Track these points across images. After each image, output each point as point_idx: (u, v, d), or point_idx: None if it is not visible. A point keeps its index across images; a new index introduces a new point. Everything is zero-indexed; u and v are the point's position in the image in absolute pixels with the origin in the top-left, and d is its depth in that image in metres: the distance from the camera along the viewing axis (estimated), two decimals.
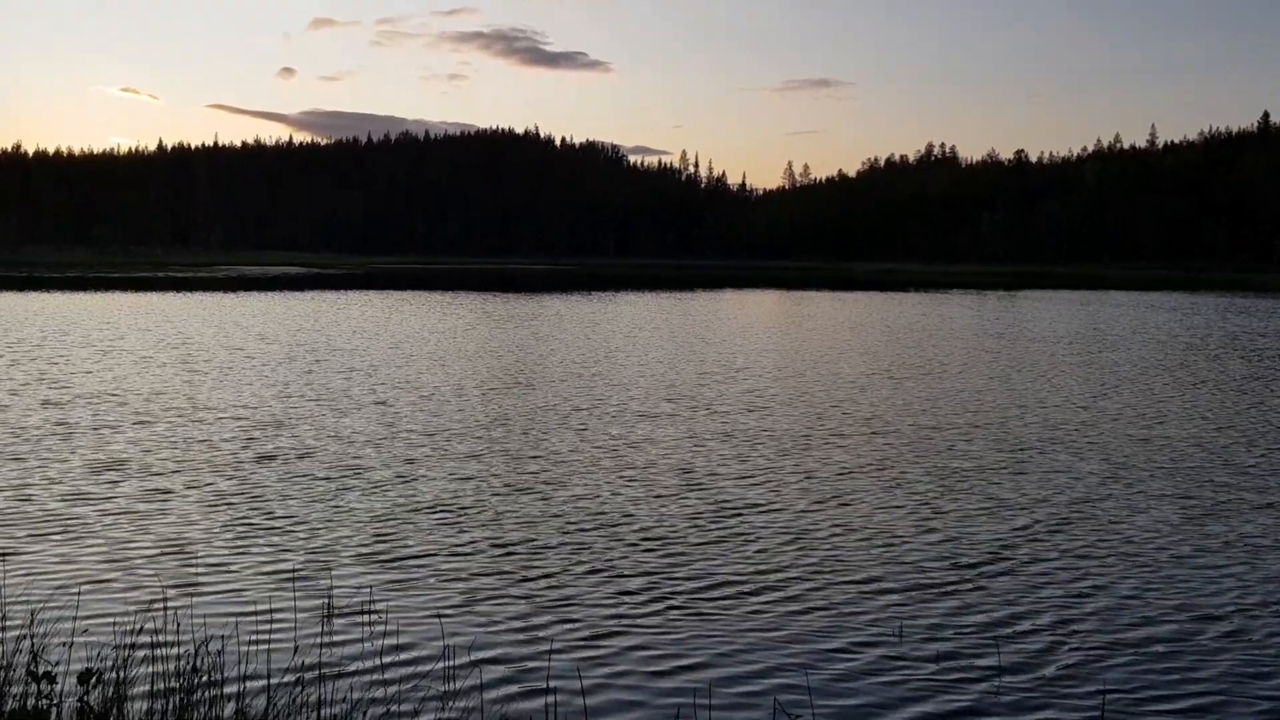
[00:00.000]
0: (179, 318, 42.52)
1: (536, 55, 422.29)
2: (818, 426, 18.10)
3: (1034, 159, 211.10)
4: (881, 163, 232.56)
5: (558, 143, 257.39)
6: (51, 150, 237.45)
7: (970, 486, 13.42)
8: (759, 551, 10.34)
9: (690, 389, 22.79)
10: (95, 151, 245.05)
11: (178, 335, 34.42)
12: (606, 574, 9.56)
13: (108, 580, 9.20)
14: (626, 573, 9.62)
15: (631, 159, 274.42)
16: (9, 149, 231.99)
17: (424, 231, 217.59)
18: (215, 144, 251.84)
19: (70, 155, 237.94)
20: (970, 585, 9.33)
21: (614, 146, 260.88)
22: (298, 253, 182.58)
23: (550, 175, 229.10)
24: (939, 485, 13.46)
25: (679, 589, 9.16)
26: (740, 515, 11.77)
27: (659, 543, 10.59)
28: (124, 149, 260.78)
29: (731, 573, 9.57)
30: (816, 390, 22.93)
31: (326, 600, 8.62)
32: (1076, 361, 29.73)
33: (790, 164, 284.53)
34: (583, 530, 11.10)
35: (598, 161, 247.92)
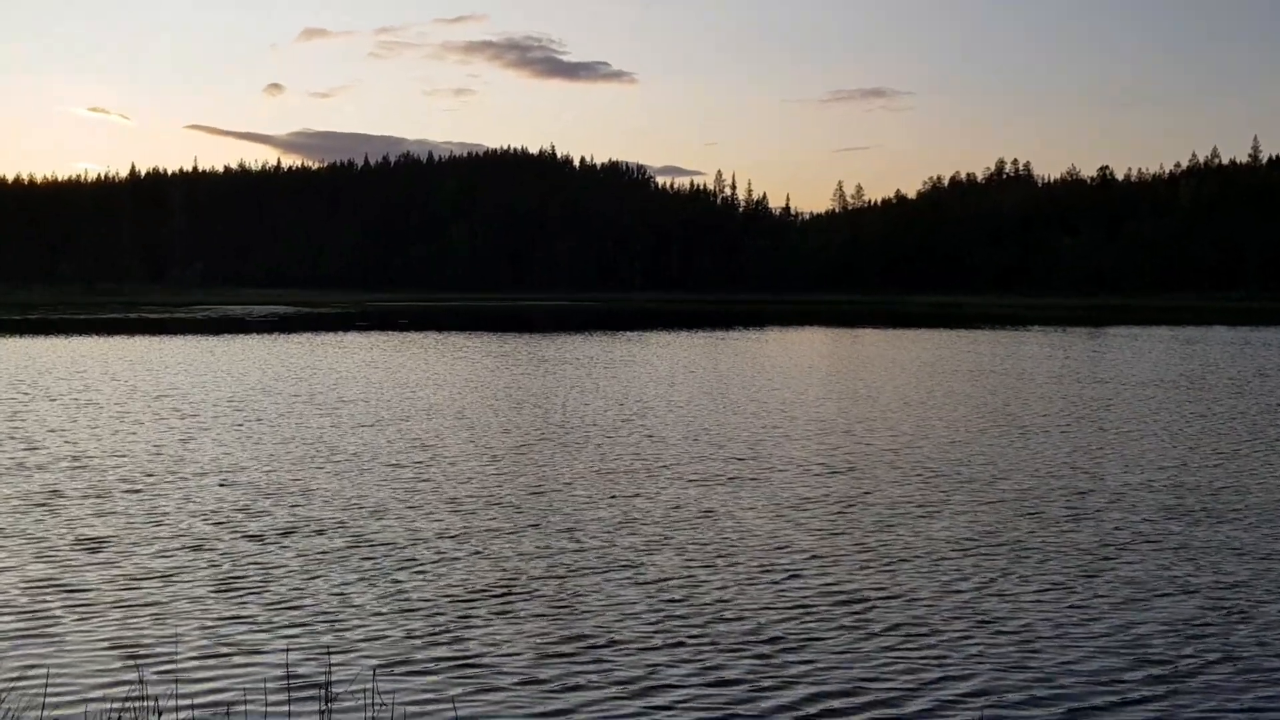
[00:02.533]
0: (156, 365, 42.68)
1: (552, 66, 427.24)
2: (914, 492, 17.72)
3: (1120, 176, 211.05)
4: (945, 182, 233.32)
5: (577, 163, 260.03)
6: (10, 177, 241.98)
7: (1128, 563, 13.20)
8: (890, 654, 9.99)
9: (750, 445, 22.50)
10: (60, 178, 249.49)
11: (156, 386, 34.44)
12: (702, 682, 9.25)
13: (82, 680, 9.04)
14: (728, 680, 9.33)
15: (660, 180, 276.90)
16: None
17: (427, 265, 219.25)
18: (194, 169, 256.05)
19: (31, 182, 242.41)
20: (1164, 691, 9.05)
21: (640, 167, 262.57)
22: (286, 289, 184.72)
23: (569, 200, 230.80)
24: (1092, 564, 13.20)
25: (794, 697, 8.91)
26: (864, 605, 11.48)
27: (764, 644, 10.27)
28: (92, 175, 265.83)
29: (873, 683, 9.23)
30: (898, 447, 22.52)
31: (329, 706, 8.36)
32: (1200, 411, 29.14)
33: (840, 184, 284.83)
34: (664, 626, 10.78)
35: (622, 184, 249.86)
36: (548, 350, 53.96)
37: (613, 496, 17.14)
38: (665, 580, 12.36)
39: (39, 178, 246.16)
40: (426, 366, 43.46)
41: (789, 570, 12.85)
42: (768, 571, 12.79)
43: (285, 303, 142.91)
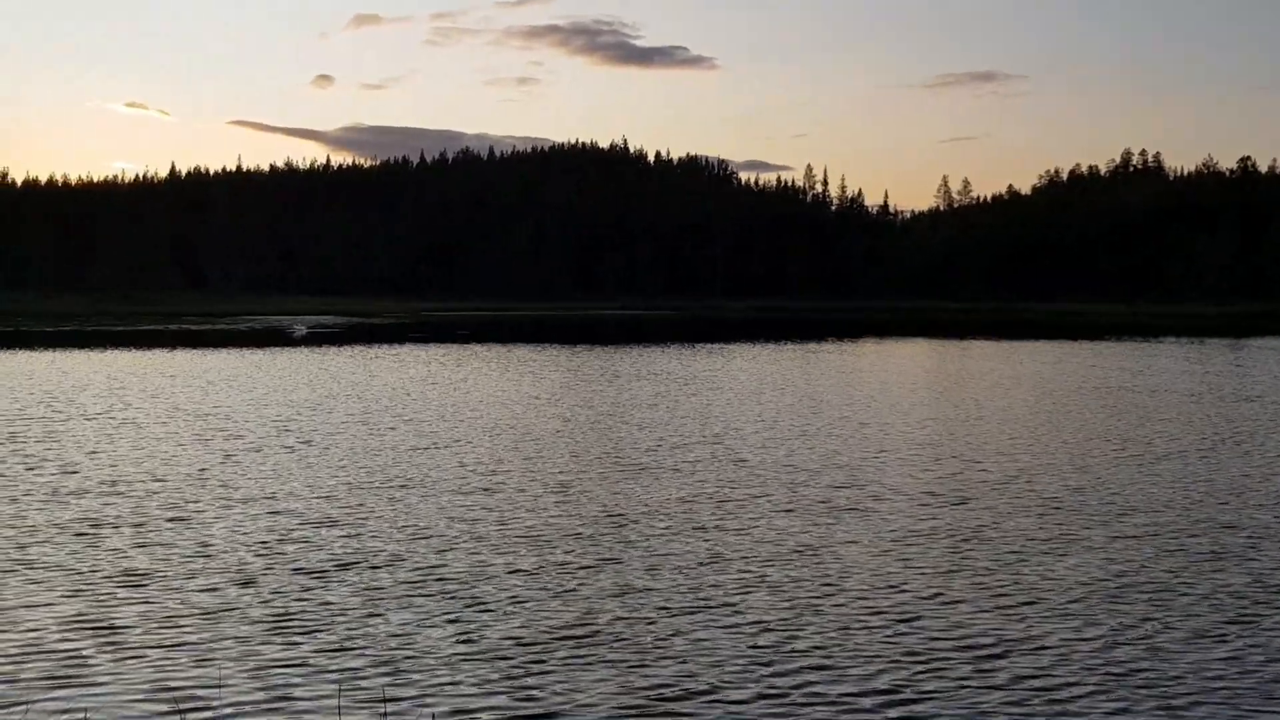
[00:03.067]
0: (198, 381, 43.57)
1: (624, 52, 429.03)
2: (1037, 525, 17.53)
3: (1263, 168, 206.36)
4: (1063, 175, 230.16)
5: (651, 158, 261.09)
6: (43, 178, 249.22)
7: None
8: (1016, 711, 9.82)
9: (849, 472, 22.40)
10: (95, 179, 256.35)
11: (199, 404, 35.11)
12: None
13: None
14: None
15: (744, 176, 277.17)
16: None
17: (487, 270, 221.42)
18: (237, 168, 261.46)
19: (65, 184, 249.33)
20: None
21: (722, 162, 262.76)
22: (334, 297, 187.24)
23: (642, 199, 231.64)
24: (1245, 609, 12.96)
25: None
26: (985, 654, 11.27)
27: (873, 697, 10.17)
28: (129, 176, 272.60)
29: None
30: (1017, 475, 22.23)
31: None
32: None
33: (945, 179, 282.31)
34: (759, 675, 10.69)
35: (701, 180, 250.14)
36: (621, 364, 54.06)
37: (698, 528, 17.07)
38: (760, 624, 12.29)
39: (73, 178, 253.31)
40: (489, 383, 43.76)
41: (899, 614, 12.70)
42: (875, 615, 12.67)
43: (334, 312, 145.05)
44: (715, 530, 16.97)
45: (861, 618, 12.55)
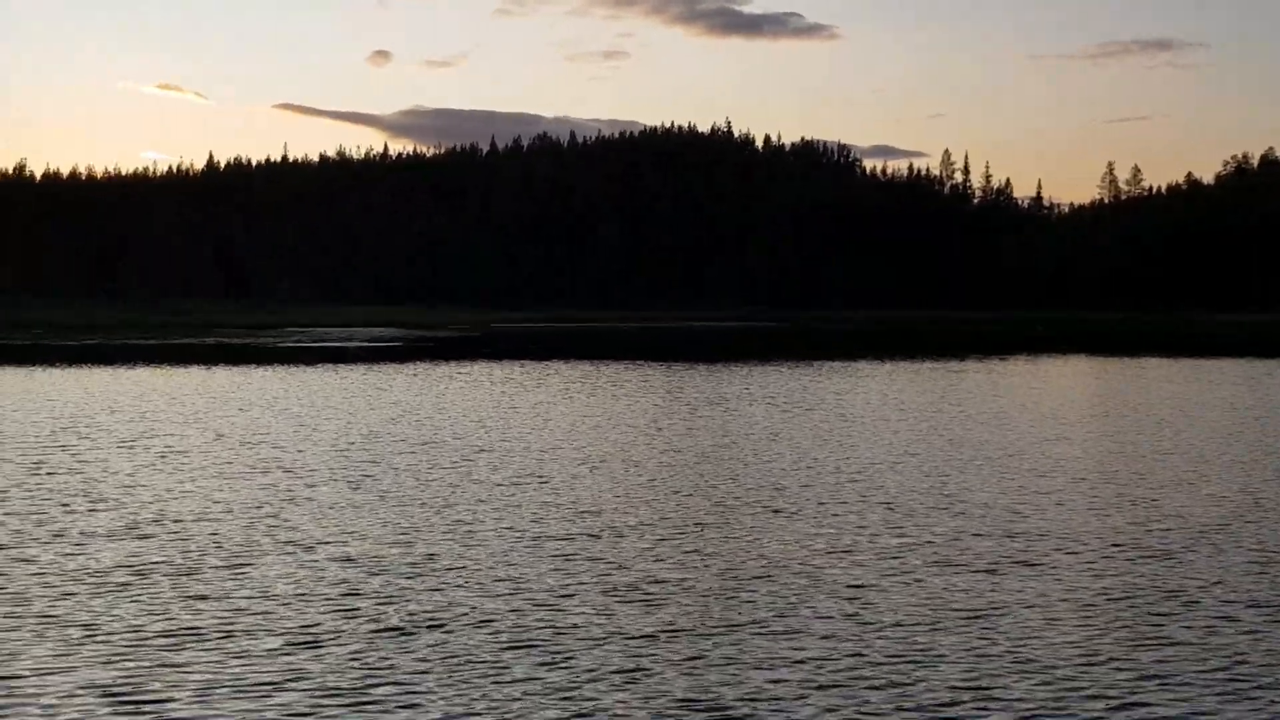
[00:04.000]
0: (243, 404, 44.29)
1: (729, 20, 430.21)
2: (1272, 586, 16.84)
3: None
4: (1253, 160, 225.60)
5: (760, 143, 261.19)
6: (65, 171, 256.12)
7: None
8: None
9: (1015, 515, 22.03)
10: (123, 171, 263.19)
11: (246, 431, 35.62)
12: None
13: None
14: None
15: (869, 164, 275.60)
16: (9, 170, 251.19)
17: (568, 275, 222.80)
18: (283, 158, 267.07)
19: (90, 177, 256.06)
20: None
21: (843, 147, 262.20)
22: (394, 306, 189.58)
23: (749, 191, 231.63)
24: None
25: None
26: None
27: None
28: (161, 167, 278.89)
29: None
30: (1229, 522, 21.64)
31: None
32: None
33: (1110, 166, 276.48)
34: None
35: (818, 169, 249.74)
36: (728, 385, 54.04)
37: (841, 586, 16.73)
38: (934, 706, 11.98)
39: (99, 170, 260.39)
40: (577, 407, 43.88)
41: (1119, 697, 12.31)
42: (1090, 698, 12.29)
43: (393, 323, 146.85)
44: (861, 588, 16.64)
45: (1066, 699, 12.20)
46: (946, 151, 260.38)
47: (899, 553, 18.91)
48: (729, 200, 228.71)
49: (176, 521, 21.13)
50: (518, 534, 20.21)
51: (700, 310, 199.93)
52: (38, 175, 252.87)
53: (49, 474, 26.56)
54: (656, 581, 16.89)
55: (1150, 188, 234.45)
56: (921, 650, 13.76)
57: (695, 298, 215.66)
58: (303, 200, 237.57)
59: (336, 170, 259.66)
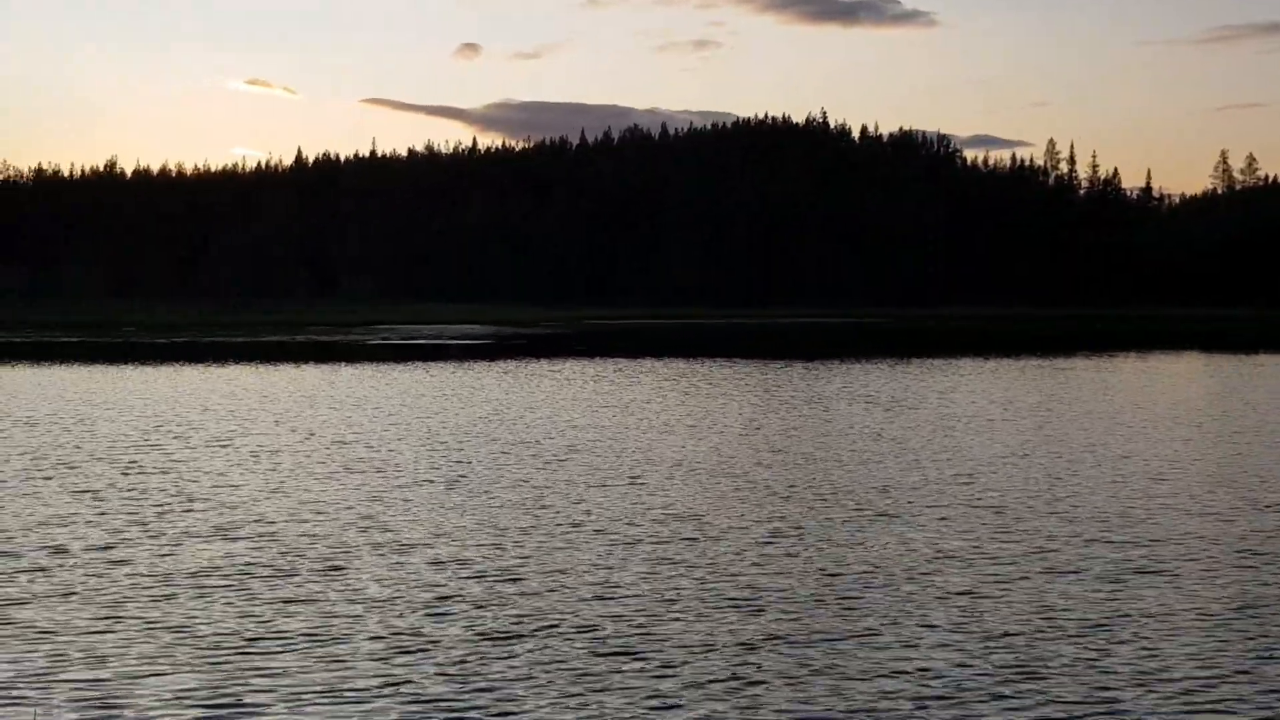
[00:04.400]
0: (334, 403, 44.90)
1: (823, 7, 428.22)
2: None
3: None
4: None
5: (856, 134, 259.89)
6: (155, 167, 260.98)
7: None
8: None
9: (1146, 521, 21.53)
10: (212, 168, 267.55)
11: (338, 430, 36.12)
12: None
13: None
14: None
15: (969, 155, 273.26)
16: (101, 167, 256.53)
17: (660, 271, 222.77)
18: (371, 153, 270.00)
19: (179, 173, 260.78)
20: None
21: (943, 137, 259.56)
22: (481, 304, 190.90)
23: (844, 183, 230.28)
24: None
25: None
26: None
27: None
28: (250, 163, 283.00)
29: None
30: None
31: None
32: None
33: (1224, 155, 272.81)
34: None
35: (917, 160, 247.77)
36: (825, 384, 53.86)
37: (956, 595, 16.47)
38: None
39: (188, 167, 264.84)
40: (671, 405, 43.94)
41: (1246, 712, 12.10)
42: (1216, 713, 12.07)
43: (482, 320, 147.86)
44: (971, 596, 16.41)
45: (1169, 718, 11.99)
46: (1051, 141, 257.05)
47: (1010, 559, 18.62)
48: (824, 193, 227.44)
49: (270, 523, 21.36)
50: (613, 538, 20.19)
51: (792, 306, 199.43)
52: (128, 172, 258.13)
53: (143, 474, 26.99)
54: (757, 588, 16.77)
55: (1266, 177, 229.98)
56: (1035, 662, 13.53)
57: (792, 294, 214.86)
58: (391, 196, 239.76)
59: (425, 165, 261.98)
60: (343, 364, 68.75)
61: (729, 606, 15.82)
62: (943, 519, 21.88)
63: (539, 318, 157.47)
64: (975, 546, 19.57)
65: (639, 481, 26.14)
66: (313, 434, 34.81)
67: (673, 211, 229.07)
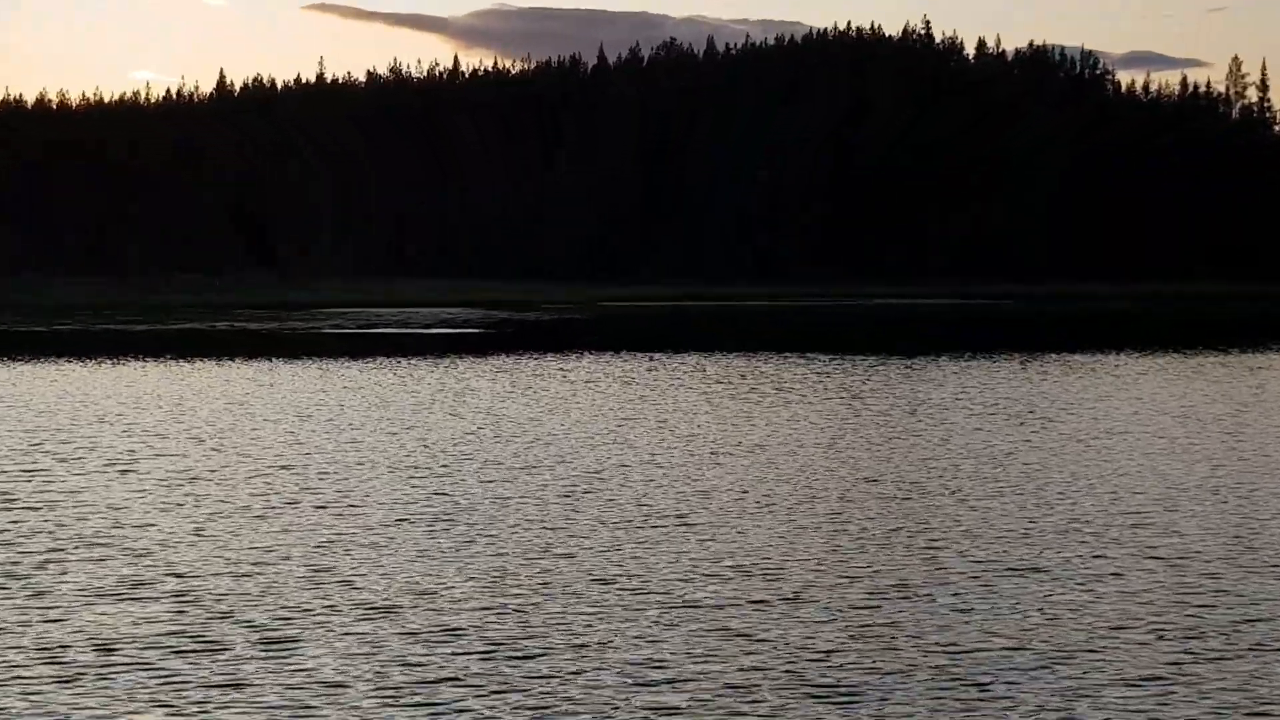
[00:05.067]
0: (272, 411, 44.94)
1: None
2: None
3: None
4: None
5: (970, 51, 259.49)
6: (29, 98, 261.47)
7: None
8: None
9: None
10: (106, 98, 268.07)
11: (282, 452, 36.04)
12: None
13: None
14: None
15: (1124, 77, 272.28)
16: None
17: (702, 237, 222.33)
18: (318, 77, 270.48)
19: (63, 106, 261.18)
20: None
21: (1089, 54, 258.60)
22: (466, 281, 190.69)
23: (956, 116, 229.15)
24: None
25: None
26: None
27: None
28: (156, 92, 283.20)
29: None
30: None
31: None
32: None
33: None
34: None
35: (1054, 85, 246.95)
36: (931, 387, 54.05)
37: (1141, 677, 16.27)
38: None
39: (73, 98, 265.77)
40: (725, 416, 43.91)
41: None
42: None
43: (468, 301, 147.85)
44: (1158, 680, 16.29)
45: None
46: (1235, 60, 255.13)
47: (1204, 632, 18.44)
48: (926, 129, 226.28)
49: (189, 578, 21.18)
50: (658, 603, 19.96)
51: (887, 283, 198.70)
52: (27, 101, 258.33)
53: (14, 509, 26.95)
54: (857, 679, 16.56)
55: None
56: None
57: (881, 268, 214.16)
58: (344, 134, 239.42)
59: (390, 93, 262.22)
60: (282, 360, 68.99)
61: (815, 699, 15.69)
62: (1105, 575, 21.75)
63: (542, 298, 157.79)
64: (1155, 614, 19.40)
65: (688, 523, 25.91)
66: (245, 456, 34.71)
67: (721, 157, 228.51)
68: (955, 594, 20.49)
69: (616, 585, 20.88)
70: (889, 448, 36.88)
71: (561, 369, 62.80)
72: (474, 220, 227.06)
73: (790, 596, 20.22)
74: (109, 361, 67.02)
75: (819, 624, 18.75)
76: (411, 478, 31.24)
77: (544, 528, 25.29)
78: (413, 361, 67.88)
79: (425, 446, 36.54)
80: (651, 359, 68.89)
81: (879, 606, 19.73)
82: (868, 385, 55.56)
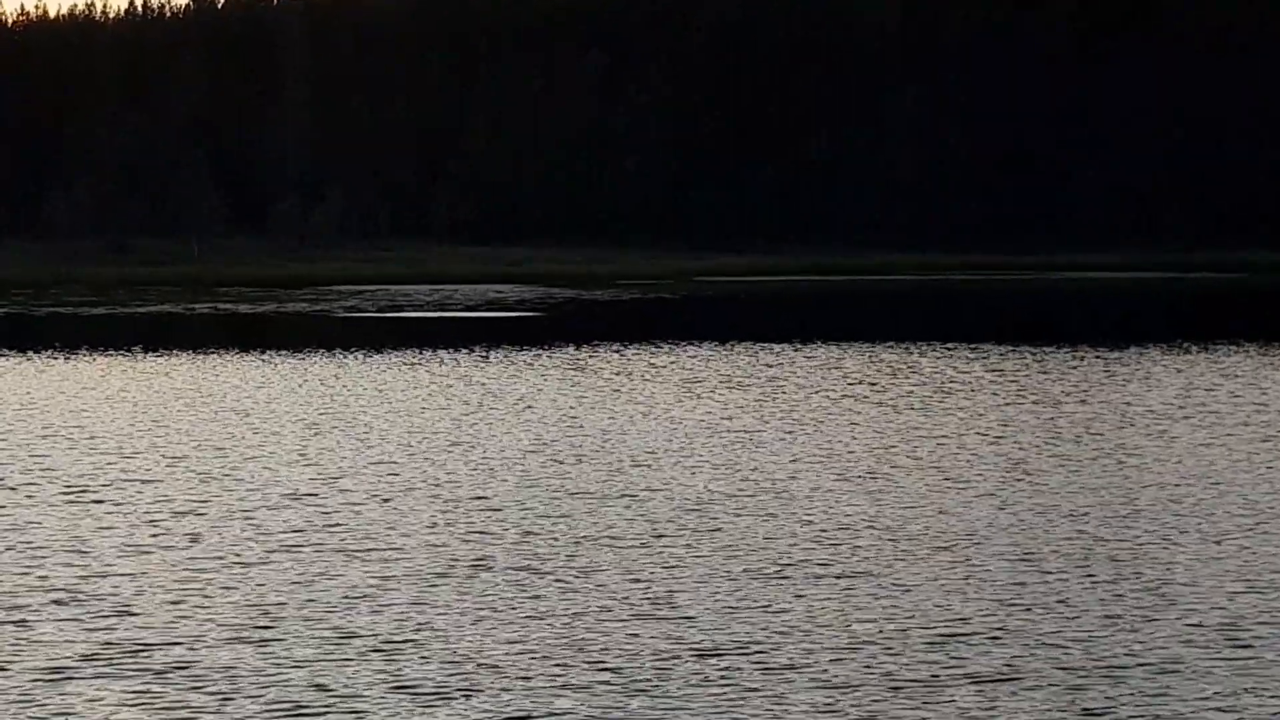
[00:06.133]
0: (272, 417, 45.07)
1: None
2: None
3: None
4: None
5: None
6: None
7: None
8: None
9: None
10: (51, 13, 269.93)
11: (289, 474, 35.75)
12: None
13: None
14: None
15: None
16: None
17: (822, 189, 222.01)
18: None
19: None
20: None
21: None
22: (517, 248, 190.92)
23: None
24: None
25: None
26: None
27: None
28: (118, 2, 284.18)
29: None
30: None
31: None
32: None
33: None
34: None
35: None
36: (1148, 389, 54.08)
37: None
38: None
39: (7, 7, 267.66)
40: (869, 426, 44.11)
41: None
42: None
43: (520, 277, 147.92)
44: None
45: None
46: None
47: None
48: (1123, 38, 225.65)
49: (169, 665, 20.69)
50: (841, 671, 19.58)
51: (1083, 251, 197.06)
52: None
53: None
54: None
55: None
56: None
57: (1070, 227, 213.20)
58: (349, 55, 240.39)
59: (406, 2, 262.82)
60: (280, 353, 69.25)
61: None
62: None
63: (615, 272, 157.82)
64: None
65: (847, 572, 25.53)
66: (240, 483, 34.50)
67: (850, 84, 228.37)
68: (1178, 664, 19.92)
69: (761, 665, 20.49)
70: (1084, 464, 37.00)
71: (651, 365, 62.75)
72: (524, 168, 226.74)
73: (1010, 675, 19.98)
74: (59, 357, 67.10)
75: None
76: (466, 513, 30.88)
77: (647, 580, 24.97)
78: (454, 355, 68.10)
79: (479, 469, 36.36)
80: (768, 351, 68.65)
81: (1093, 677, 19.42)
82: (1060, 386, 55.43)
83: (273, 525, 29.83)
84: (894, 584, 25.09)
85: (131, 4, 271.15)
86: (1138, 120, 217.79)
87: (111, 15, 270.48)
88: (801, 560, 26.81)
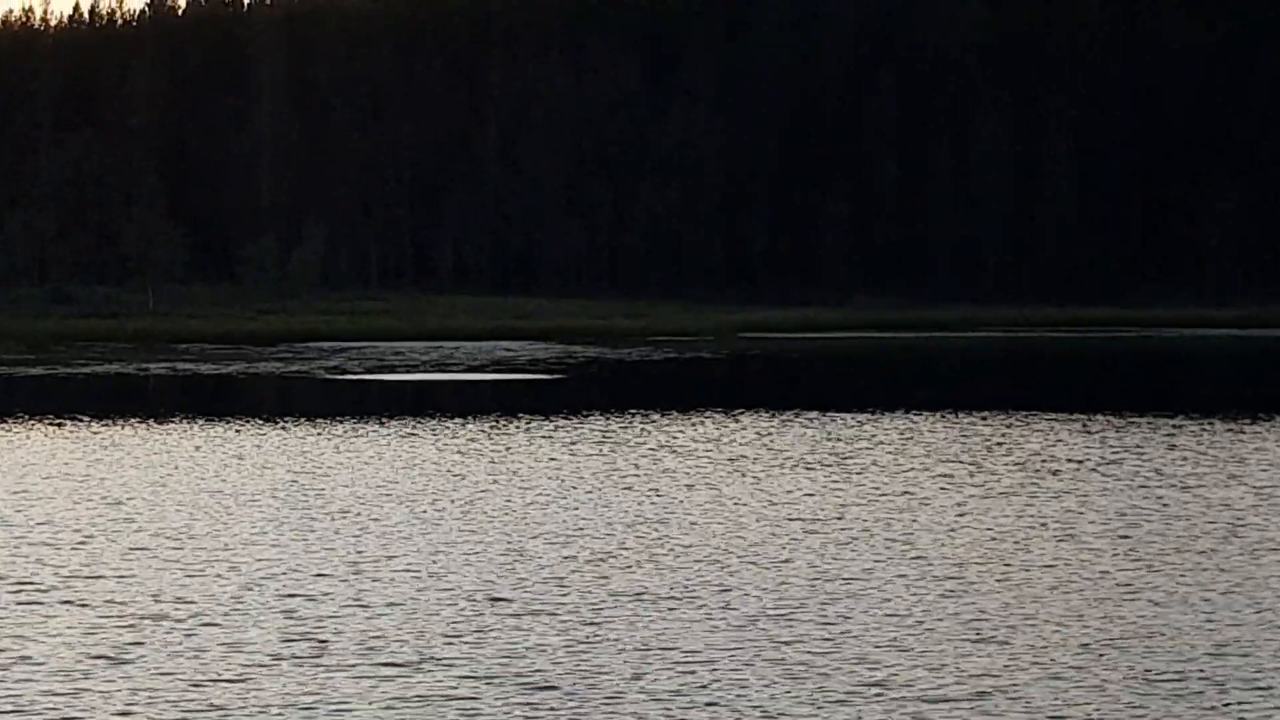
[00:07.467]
0: (250, 503, 44.59)
1: None
2: None
3: None
4: None
5: None
6: None
7: None
8: None
9: None
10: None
11: (266, 576, 35.06)
12: None
13: None
14: None
15: None
16: None
17: (898, 235, 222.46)
18: None
19: None
20: None
21: None
22: (534, 297, 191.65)
23: None
24: None
25: None
26: None
27: None
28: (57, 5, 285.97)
29: None
30: None
31: None
32: None
33: None
34: None
35: None
36: (1256, 462, 53.77)
37: None
38: None
39: None
40: (955, 509, 44.23)
41: None
42: None
43: (536, 331, 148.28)
44: None
45: None
46: None
47: None
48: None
49: None
50: None
51: (1204, 305, 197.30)
52: None
53: None
54: None
55: None
56: None
57: (1199, 278, 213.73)
58: (331, 70, 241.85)
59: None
60: (251, 421, 69.25)
61: None
62: None
63: (646, 326, 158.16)
64: None
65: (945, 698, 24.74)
66: (205, 579, 33.84)
67: (932, 104, 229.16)
68: None
69: None
70: (1210, 562, 36.33)
71: (694, 439, 62.46)
72: (543, 198, 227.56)
73: None
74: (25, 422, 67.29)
75: None
76: (497, 619, 30.35)
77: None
78: (457, 424, 68.20)
79: (499, 567, 35.81)
80: (833, 422, 68.43)
81: None
82: (1195, 464, 55.11)
83: (247, 638, 29.44)
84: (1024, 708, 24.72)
85: (77, 9, 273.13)
86: None
87: (54, 22, 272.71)
88: (906, 681, 26.48)
